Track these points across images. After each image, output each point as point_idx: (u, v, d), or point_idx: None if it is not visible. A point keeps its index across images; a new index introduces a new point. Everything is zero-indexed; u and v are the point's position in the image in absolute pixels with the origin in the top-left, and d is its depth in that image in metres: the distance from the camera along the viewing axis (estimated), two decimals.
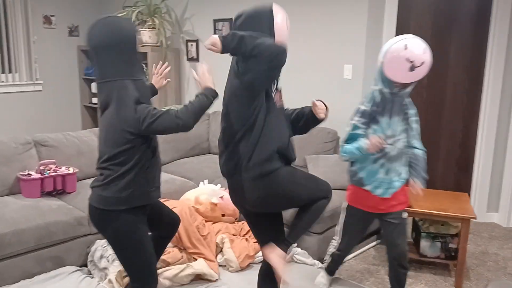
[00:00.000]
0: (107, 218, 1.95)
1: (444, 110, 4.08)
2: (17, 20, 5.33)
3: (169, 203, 3.16)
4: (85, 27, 5.76)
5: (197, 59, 5.12)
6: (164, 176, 3.74)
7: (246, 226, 3.27)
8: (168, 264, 2.75)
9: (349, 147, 2.31)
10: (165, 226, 2.32)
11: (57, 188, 3.24)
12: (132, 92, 1.86)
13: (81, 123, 6.10)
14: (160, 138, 4.16)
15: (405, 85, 2.18)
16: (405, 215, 2.43)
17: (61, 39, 5.83)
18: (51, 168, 3.26)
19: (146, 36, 5.03)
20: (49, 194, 3.23)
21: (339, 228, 2.64)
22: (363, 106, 2.30)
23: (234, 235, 3.14)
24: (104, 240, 2.81)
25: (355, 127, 2.31)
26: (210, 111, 4.56)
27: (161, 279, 2.64)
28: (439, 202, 3.04)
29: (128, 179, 1.91)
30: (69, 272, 2.80)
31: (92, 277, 2.78)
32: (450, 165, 4.14)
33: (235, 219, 3.38)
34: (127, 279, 2.54)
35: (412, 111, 2.32)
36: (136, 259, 2.01)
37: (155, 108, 1.89)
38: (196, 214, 3.12)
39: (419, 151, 2.38)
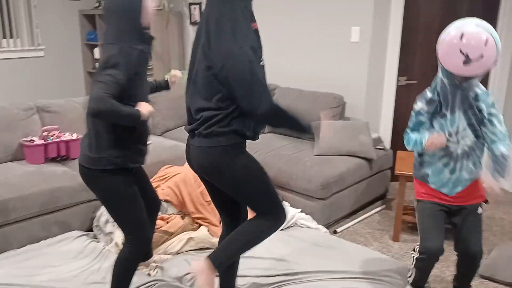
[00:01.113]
0: (95, 177, 1.95)
1: None
2: None
3: (173, 169, 3.15)
4: None
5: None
6: (167, 143, 3.73)
7: None
8: (170, 234, 2.75)
9: (413, 137, 2.08)
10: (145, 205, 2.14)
11: (61, 154, 3.23)
12: (116, 58, 1.80)
13: (85, 89, 6.05)
14: (163, 104, 4.15)
15: (467, 77, 1.89)
16: (480, 210, 2.15)
17: (62, 3, 5.69)
18: (55, 134, 3.24)
19: None
20: (53, 160, 3.22)
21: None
22: (428, 92, 2.05)
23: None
24: None
25: (418, 113, 2.07)
26: None
27: (164, 256, 2.63)
28: None
29: (110, 140, 1.90)
30: (75, 236, 2.81)
31: (98, 242, 2.80)
32: None
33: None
34: None
35: (485, 103, 1.98)
36: (126, 215, 2.01)
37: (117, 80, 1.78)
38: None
39: (501, 150, 1.96)
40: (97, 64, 5.68)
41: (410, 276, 2.32)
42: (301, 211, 3.13)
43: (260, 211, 1.92)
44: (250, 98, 1.72)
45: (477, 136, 2.01)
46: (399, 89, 3.91)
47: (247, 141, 1.87)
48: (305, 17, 4.10)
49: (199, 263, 1.89)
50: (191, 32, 5.16)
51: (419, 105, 2.07)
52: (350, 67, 3.90)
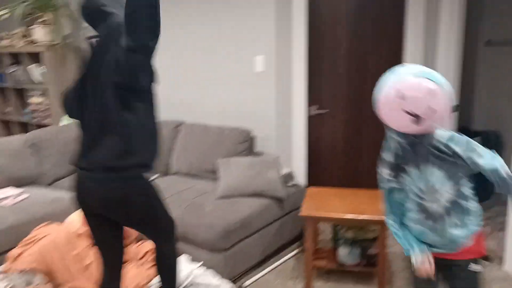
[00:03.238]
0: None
1: (367, 102, 3.80)
2: None
3: (46, 229, 2.66)
4: None
5: None
6: (51, 195, 3.24)
7: (144, 248, 2.82)
8: None
9: (399, 234, 1.78)
10: None
11: None
12: None
13: None
14: (53, 149, 3.66)
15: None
16: (474, 267, 1.80)
17: None
18: None
19: (39, 33, 4.45)
20: None
21: None
22: (385, 155, 1.77)
23: (125, 261, 2.68)
24: None
25: (388, 181, 1.78)
26: None
27: None
28: (356, 203, 2.73)
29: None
30: None
31: None
32: (375, 161, 3.87)
33: (134, 239, 2.92)
34: None
35: (454, 145, 1.61)
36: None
37: None
38: (78, 240, 2.62)
39: (488, 173, 1.62)
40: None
41: None
42: (202, 265, 2.74)
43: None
44: None
45: (458, 189, 1.67)
46: (311, 119, 3.66)
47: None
48: (207, 47, 3.80)
49: None
50: None
51: (385, 172, 1.77)
52: (257, 98, 3.62)
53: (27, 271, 2.43)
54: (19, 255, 2.50)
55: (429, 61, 3.37)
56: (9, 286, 2.36)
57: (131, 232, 2.89)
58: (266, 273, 2.94)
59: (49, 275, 2.44)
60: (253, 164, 3.21)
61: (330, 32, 3.53)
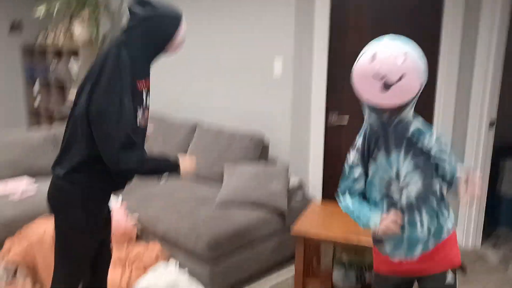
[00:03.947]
0: None
1: None
2: None
3: (37, 225, 2.68)
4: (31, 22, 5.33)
5: None
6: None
7: (137, 249, 2.78)
8: None
9: (350, 207, 1.66)
10: None
11: None
12: None
13: (26, 126, 5.71)
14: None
15: (395, 110, 1.49)
16: (451, 277, 1.66)
17: (3, 38, 5.40)
18: None
19: (78, 30, 4.59)
20: None
21: None
22: (357, 141, 1.66)
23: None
24: None
25: (351, 167, 1.65)
26: None
27: None
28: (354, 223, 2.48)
29: None
30: None
31: None
32: None
33: (128, 240, 2.89)
34: None
35: (429, 138, 1.57)
36: None
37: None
38: None
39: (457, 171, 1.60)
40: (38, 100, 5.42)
41: None
42: (188, 274, 2.64)
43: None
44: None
45: (429, 183, 1.59)
46: (330, 127, 3.43)
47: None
48: (223, 46, 3.69)
49: None
50: None
51: (351, 157, 1.66)
52: (274, 101, 3.44)
53: (12, 265, 2.47)
54: (9, 249, 2.55)
55: (464, 70, 3.02)
56: None
57: (127, 233, 2.87)
58: None
59: (32, 271, 2.46)
60: (259, 172, 3.05)
61: (354, 33, 3.27)
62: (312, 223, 2.59)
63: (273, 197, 2.92)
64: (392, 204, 1.61)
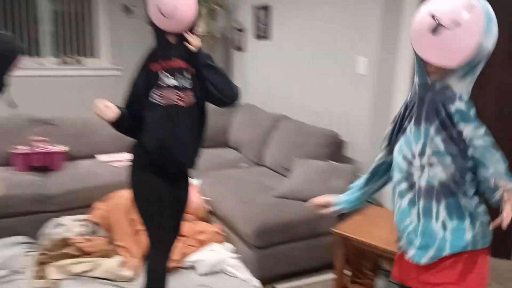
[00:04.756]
0: None
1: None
2: (99, 8, 5.87)
3: (117, 193, 3.09)
4: None
5: (243, 49, 4.92)
6: None
7: (200, 227, 3.04)
8: (84, 253, 2.71)
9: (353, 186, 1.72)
10: None
11: (44, 164, 3.46)
12: None
13: None
14: None
15: (444, 72, 1.30)
16: None
17: (140, 26, 6.17)
18: (41, 145, 3.50)
19: None
20: (38, 169, 3.47)
21: None
22: (398, 110, 1.52)
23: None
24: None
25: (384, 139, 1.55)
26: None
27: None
28: None
29: None
30: (16, 242, 2.95)
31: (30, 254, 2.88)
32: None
33: (196, 218, 3.17)
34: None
35: (473, 129, 1.33)
36: None
37: None
38: None
39: (488, 174, 1.33)
40: None
41: None
42: (238, 258, 2.81)
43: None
44: None
45: (458, 178, 1.34)
46: None
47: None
48: (309, 42, 3.73)
49: None
50: (235, 57, 5.12)
51: (389, 128, 1.53)
52: (354, 101, 3.39)
53: (93, 223, 2.93)
54: (95, 209, 3.01)
55: None
56: (77, 230, 2.88)
57: (196, 211, 3.15)
58: (303, 285, 2.81)
59: (109, 231, 2.88)
60: (323, 169, 3.07)
61: None
62: (358, 226, 2.54)
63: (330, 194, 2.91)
64: (410, 182, 1.43)
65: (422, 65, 1.34)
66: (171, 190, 2.05)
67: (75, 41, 5.91)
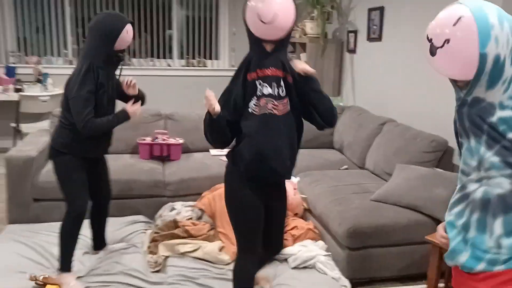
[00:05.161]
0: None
1: None
2: (223, 13, 6.34)
3: (219, 184, 3.34)
4: None
5: (354, 51, 4.92)
6: None
7: (294, 223, 3.15)
8: (189, 235, 3.00)
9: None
10: (99, 192, 2.81)
11: (164, 154, 3.89)
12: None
13: None
14: None
15: (469, 84, 1.27)
16: None
17: None
18: (162, 137, 3.93)
19: (308, 27, 5.16)
20: (158, 158, 3.90)
21: None
22: None
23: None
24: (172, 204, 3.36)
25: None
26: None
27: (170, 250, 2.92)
28: None
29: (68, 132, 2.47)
30: (136, 220, 3.37)
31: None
32: None
33: (294, 215, 3.29)
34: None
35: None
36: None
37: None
38: None
39: None
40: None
41: None
42: (329, 255, 2.86)
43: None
44: None
45: None
46: None
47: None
48: (419, 47, 3.58)
49: None
50: (347, 60, 5.13)
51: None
52: None
53: (200, 210, 3.22)
54: (201, 198, 3.31)
55: None
56: (185, 215, 3.20)
57: (293, 208, 3.28)
58: None
59: (212, 218, 3.15)
60: (427, 175, 2.97)
61: None
62: None
63: (431, 202, 2.81)
64: (463, 196, 1.37)
65: (452, 81, 1.35)
66: (267, 204, 2.09)
67: (202, 45, 6.45)
